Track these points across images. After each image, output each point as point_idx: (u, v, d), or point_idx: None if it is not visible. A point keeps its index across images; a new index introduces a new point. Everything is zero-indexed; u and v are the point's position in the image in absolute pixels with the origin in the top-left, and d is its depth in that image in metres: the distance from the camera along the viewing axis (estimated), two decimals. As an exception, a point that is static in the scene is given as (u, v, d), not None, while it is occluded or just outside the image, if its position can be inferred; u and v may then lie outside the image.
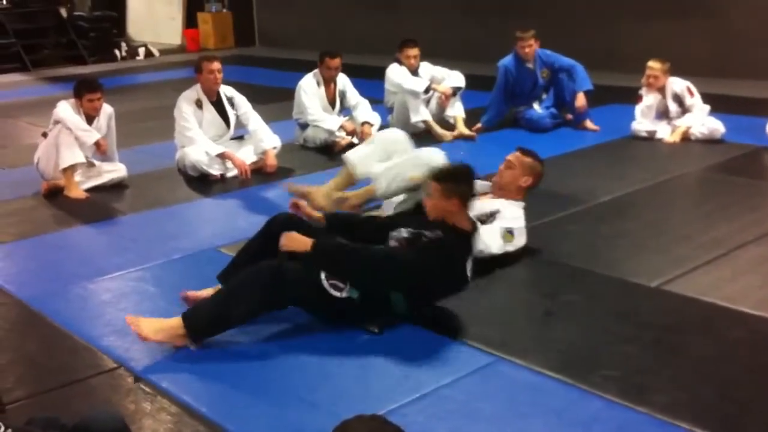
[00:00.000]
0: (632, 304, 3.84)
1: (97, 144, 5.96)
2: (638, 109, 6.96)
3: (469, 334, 3.56)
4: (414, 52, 7.42)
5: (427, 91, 7.37)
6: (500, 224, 4.31)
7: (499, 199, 4.51)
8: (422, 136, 7.21)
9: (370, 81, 8.18)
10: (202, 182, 6.19)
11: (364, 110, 7.21)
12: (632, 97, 7.26)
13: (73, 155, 5.83)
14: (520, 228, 4.40)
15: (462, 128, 7.35)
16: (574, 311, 3.77)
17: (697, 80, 7.17)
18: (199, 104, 6.32)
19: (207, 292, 3.85)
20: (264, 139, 6.42)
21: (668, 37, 9.75)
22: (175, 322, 3.49)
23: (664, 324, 3.63)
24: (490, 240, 4.18)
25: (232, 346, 3.55)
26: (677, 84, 6.86)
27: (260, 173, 6.31)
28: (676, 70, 6.93)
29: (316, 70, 7.12)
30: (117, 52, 14.62)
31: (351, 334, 3.61)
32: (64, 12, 14.89)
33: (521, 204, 4.52)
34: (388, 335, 3.59)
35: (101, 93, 6.05)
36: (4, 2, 15.23)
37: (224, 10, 15.80)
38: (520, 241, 4.37)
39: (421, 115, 7.34)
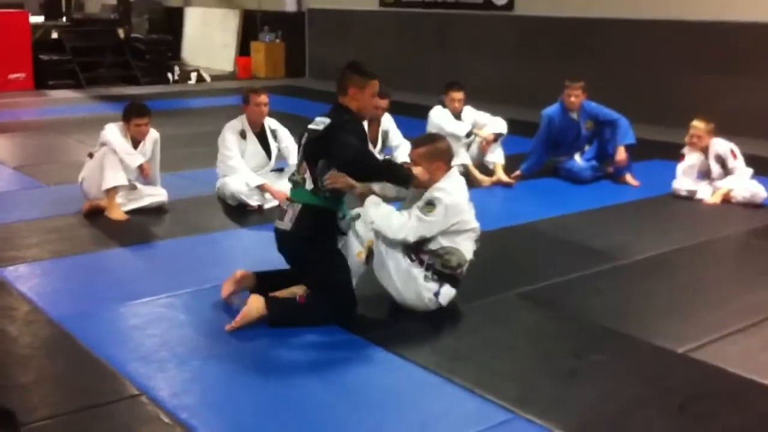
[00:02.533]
0: (659, 369, 3.80)
1: (140, 168, 6.08)
2: (680, 167, 6.91)
3: (489, 387, 3.54)
4: (459, 95, 7.46)
5: (468, 135, 7.41)
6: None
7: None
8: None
9: (414, 120, 8.21)
10: (240, 212, 6.26)
11: (404, 152, 7.21)
12: (677, 153, 7.22)
13: (116, 177, 5.95)
14: (447, 197, 4.20)
15: (501, 174, 7.36)
16: (599, 372, 3.74)
17: (743, 140, 7.12)
18: (243, 135, 6.42)
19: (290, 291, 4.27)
20: (304, 173, 6.47)
21: (719, 94, 9.68)
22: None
23: (689, 392, 3.58)
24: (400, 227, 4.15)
25: (256, 380, 3.59)
26: (721, 145, 6.81)
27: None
28: (724, 128, 6.87)
29: (361, 109, 7.15)
30: (170, 75, 14.89)
31: (367, 379, 3.63)
32: (122, 33, 15.22)
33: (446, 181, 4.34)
34: (406, 385, 3.60)
35: (149, 118, 6.17)
36: (64, 20, 15.61)
37: (278, 41, 16.03)
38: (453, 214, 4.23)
39: (461, 158, 7.35)
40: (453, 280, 4.30)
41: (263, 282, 4.40)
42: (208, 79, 15.22)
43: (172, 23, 18.44)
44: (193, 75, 15.11)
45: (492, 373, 3.70)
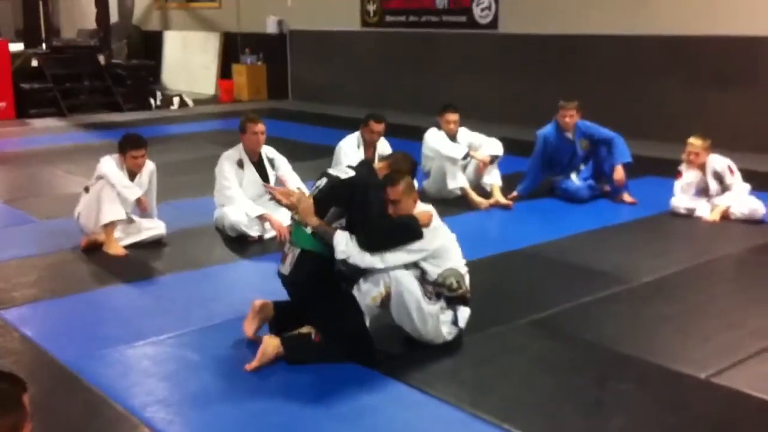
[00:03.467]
0: (684, 396, 3.76)
1: (138, 201, 5.99)
2: (678, 185, 6.92)
3: (516, 421, 3.49)
4: (454, 117, 7.44)
5: (465, 157, 7.38)
6: None
7: None
8: (458, 203, 7.23)
9: (398, 140, 8.15)
10: (239, 243, 6.18)
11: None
12: (671, 169, 7.23)
13: (114, 211, 5.85)
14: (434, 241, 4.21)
15: (498, 196, 7.33)
16: (625, 402, 3.70)
17: (737, 155, 7.15)
18: (240, 164, 6.35)
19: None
20: (302, 201, 6.41)
21: (711, 108, 9.75)
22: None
23: (718, 419, 3.56)
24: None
25: (278, 421, 3.51)
26: (718, 162, 6.82)
27: (298, 235, 6.29)
28: (715, 143, 6.89)
29: (357, 132, 7.11)
30: (152, 100, 14.78)
31: (392, 418, 3.57)
32: (102, 59, 15.08)
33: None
34: (431, 422, 3.54)
35: (145, 150, 6.09)
36: (44, 47, 15.46)
37: (259, 63, 15.98)
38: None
39: (459, 181, 7.34)
40: (463, 300, 4.26)
41: (282, 312, 4.34)
42: (190, 103, 15.12)
43: (151, 47, 18.35)
44: (176, 100, 15.01)
45: (517, 405, 3.65)
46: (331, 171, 4.41)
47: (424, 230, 4.14)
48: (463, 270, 4.27)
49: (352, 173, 4.34)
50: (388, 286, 4.06)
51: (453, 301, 4.22)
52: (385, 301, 4.10)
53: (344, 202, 4.19)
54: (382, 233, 4.12)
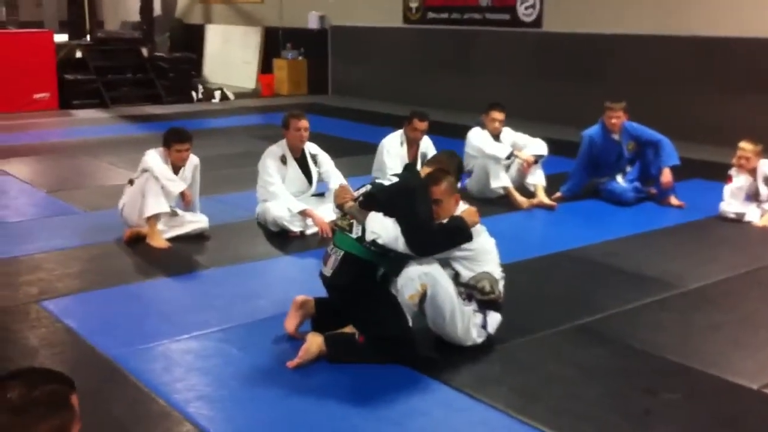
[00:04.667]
0: (736, 408, 3.66)
1: (182, 195, 6.00)
2: (727, 189, 6.77)
3: (563, 429, 3.42)
4: (500, 116, 7.37)
5: (508, 157, 7.30)
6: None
7: None
8: (501, 202, 7.15)
9: (442, 138, 8.08)
10: (281, 238, 6.16)
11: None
12: (717, 172, 7.09)
13: (158, 204, 5.86)
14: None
15: (542, 197, 7.24)
16: (675, 412, 3.61)
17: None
18: (283, 160, 6.33)
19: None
20: (345, 198, 6.37)
21: (755, 111, 9.56)
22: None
23: (771, 433, 3.46)
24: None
25: (320, 420, 3.47)
26: (769, 167, 6.68)
27: (339, 232, 6.25)
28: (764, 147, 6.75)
29: (401, 130, 7.07)
30: (193, 93, 14.85)
31: (438, 422, 3.51)
32: (145, 51, 15.20)
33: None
34: (481, 428, 3.48)
35: (190, 144, 6.09)
36: (88, 39, 15.61)
37: (300, 58, 15.99)
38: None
39: (502, 181, 7.26)
40: (495, 305, 4.20)
41: (323, 309, 4.31)
42: (231, 97, 15.18)
43: (192, 41, 18.45)
44: (217, 93, 15.06)
45: (564, 413, 3.58)
46: (375, 179, 4.38)
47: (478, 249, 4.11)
48: (498, 275, 4.20)
49: (396, 180, 4.30)
50: (424, 285, 4.00)
51: (484, 304, 4.16)
52: (422, 299, 4.04)
53: (388, 208, 4.10)
54: (432, 235, 4.06)
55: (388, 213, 4.06)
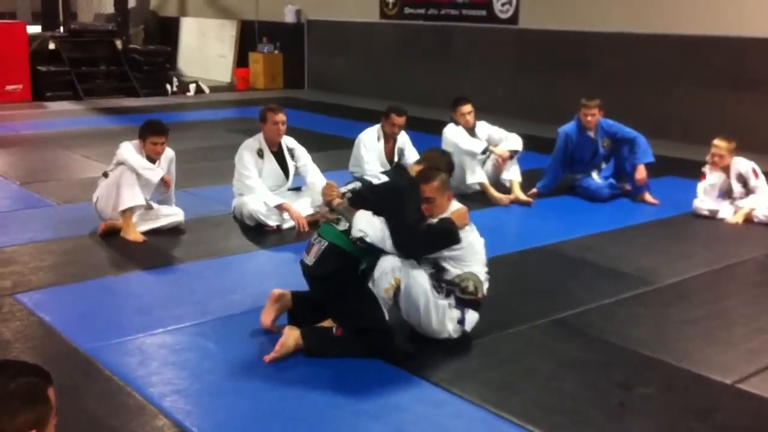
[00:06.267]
0: (709, 402, 3.70)
1: (162, 181, 5.96)
2: (701, 186, 6.84)
3: (541, 423, 3.44)
4: (467, 108, 7.38)
5: (484, 152, 7.32)
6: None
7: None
8: (477, 198, 7.17)
9: (418, 133, 8.09)
10: (257, 232, 6.14)
11: (422, 169, 7.14)
12: (693, 170, 7.15)
13: (134, 197, 5.81)
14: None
15: (518, 192, 7.27)
16: (649, 406, 3.64)
17: (758, 157, 7.08)
18: (260, 153, 6.30)
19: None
20: (322, 193, 6.36)
21: (729, 109, 9.66)
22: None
23: (743, 425, 3.50)
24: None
25: (296, 414, 3.47)
26: (742, 164, 6.75)
27: (316, 226, 6.21)
28: (740, 145, 6.81)
29: (378, 125, 7.07)
30: (168, 86, 14.74)
31: (414, 416, 3.52)
32: (119, 44, 15.06)
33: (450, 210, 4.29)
34: (455, 421, 3.49)
35: (166, 137, 6.05)
36: (62, 30, 15.44)
37: (276, 52, 15.93)
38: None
39: (478, 176, 7.28)
40: (475, 305, 4.21)
41: (300, 303, 4.30)
42: (206, 90, 15.10)
43: (167, 33, 18.32)
44: (192, 86, 14.97)
45: (540, 406, 3.59)
46: (363, 176, 4.35)
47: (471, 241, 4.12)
48: (484, 276, 4.21)
49: (385, 178, 4.30)
50: (398, 278, 4.01)
51: (463, 302, 4.17)
52: (396, 293, 4.04)
53: (377, 207, 4.10)
54: (419, 239, 4.06)
55: (376, 212, 4.06)
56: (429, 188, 4.16)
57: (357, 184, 4.31)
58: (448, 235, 4.08)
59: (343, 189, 4.30)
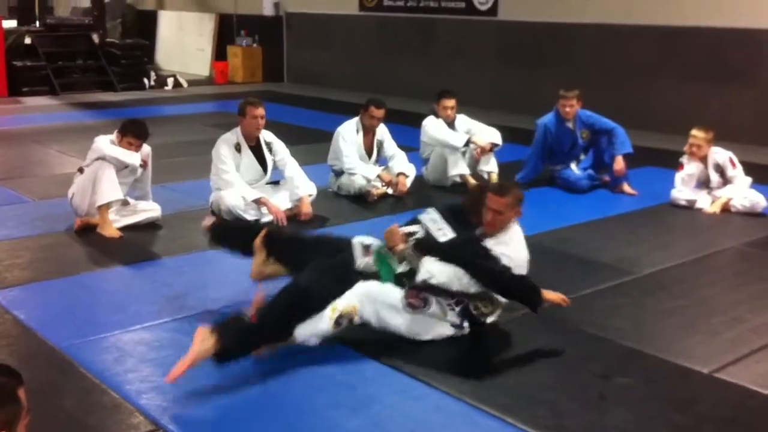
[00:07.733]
0: (689, 393, 3.71)
1: (143, 163, 5.99)
2: (679, 177, 6.86)
3: (520, 415, 3.43)
4: (451, 103, 7.37)
5: (466, 144, 7.30)
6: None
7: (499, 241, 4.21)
8: (457, 190, 7.15)
9: (398, 126, 8.06)
10: (236, 227, 6.08)
11: (400, 161, 7.14)
12: (669, 160, 7.17)
13: (112, 191, 5.76)
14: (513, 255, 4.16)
15: (497, 184, 7.26)
16: (629, 396, 3.65)
17: (736, 147, 7.11)
18: (237, 148, 6.25)
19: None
20: (300, 186, 6.33)
21: (708, 100, 9.70)
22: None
23: (723, 415, 3.51)
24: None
25: (275, 410, 3.44)
26: (720, 154, 6.77)
27: (295, 220, 6.21)
28: (718, 135, 6.83)
29: (356, 118, 7.04)
30: (146, 80, 14.63)
31: (392, 408, 3.51)
32: (96, 38, 14.92)
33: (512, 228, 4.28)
34: (434, 414, 3.47)
35: (143, 141, 6.01)
36: (38, 25, 15.28)
37: (255, 45, 15.84)
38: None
39: (460, 168, 7.28)
40: (476, 323, 4.19)
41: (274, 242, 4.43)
42: (185, 84, 14.99)
43: (145, 27, 18.18)
44: (170, 80, 14.86)
45: (521, 398, 3.59)
46: (425, 220, 4.27)
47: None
48: (500, 310, 4.22)
49: (451, 235, 4.18)
50: (355, 307, 3.92)
51: (469, 315, 4.13)
52: (340, 321, 3.90)
53: (444, 260, 4.04)
54: (514, 282, 4.07)
55: (445, 258, 4.02)
56: (499, 201, 4.10)
57: (417, 231, 4.24)
58: (533, 294, 4.06)
59: (405, 229, 4.24)
